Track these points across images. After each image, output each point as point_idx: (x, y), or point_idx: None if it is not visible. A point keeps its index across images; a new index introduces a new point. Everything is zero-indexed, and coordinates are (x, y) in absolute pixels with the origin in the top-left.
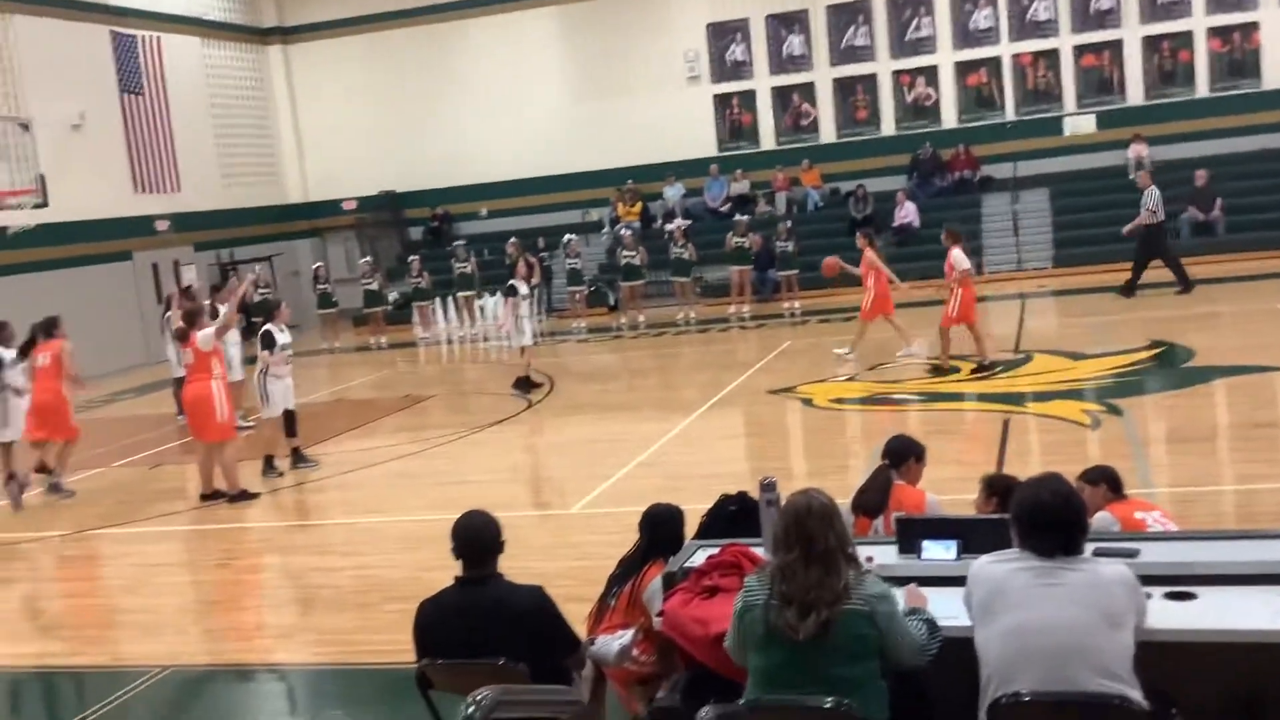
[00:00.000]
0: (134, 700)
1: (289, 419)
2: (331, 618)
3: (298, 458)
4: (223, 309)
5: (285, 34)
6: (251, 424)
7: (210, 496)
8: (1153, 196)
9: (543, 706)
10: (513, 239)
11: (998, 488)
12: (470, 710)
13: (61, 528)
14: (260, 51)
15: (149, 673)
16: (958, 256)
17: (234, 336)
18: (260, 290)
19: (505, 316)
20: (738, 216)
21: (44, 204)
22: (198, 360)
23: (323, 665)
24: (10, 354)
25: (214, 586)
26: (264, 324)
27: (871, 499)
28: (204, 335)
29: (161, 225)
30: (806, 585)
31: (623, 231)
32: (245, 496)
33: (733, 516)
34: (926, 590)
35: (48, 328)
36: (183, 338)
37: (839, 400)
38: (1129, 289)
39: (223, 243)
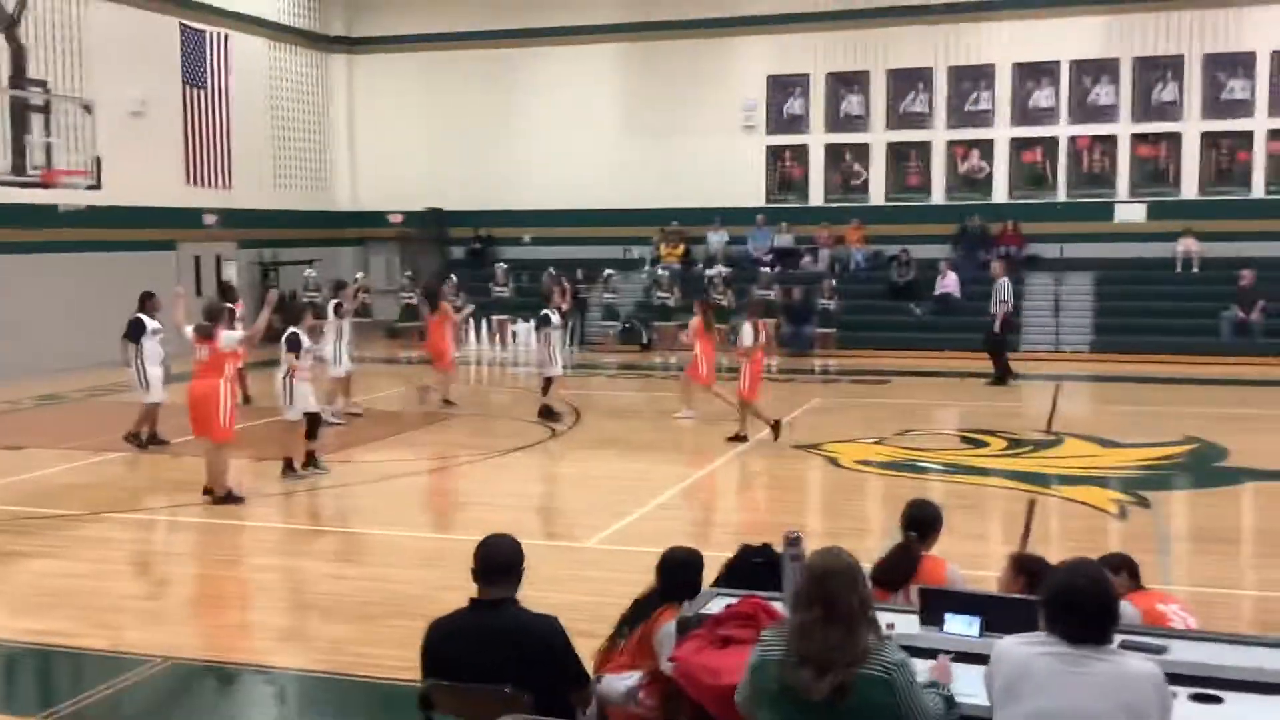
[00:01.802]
0: (132, 688)
1: (311, 422)
2: (336, 626)
3: (310, 461)
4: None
5: (351, 44)
6: (341, 421)
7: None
8: (1005, 288)
9: None
10: (550, 270)
11: (1026, 567)
12: None
13: (76, 508)
14: (324, 59)
15: (149, 662)
16: (745, 331)
17: (331, 335)
18: (308, 293)
19: (539, 347)
20: (764, 269)
21: (97, 186)
22: (213, 359)
23: (322, 673)
24: (154, 324)
25: (221, 582)
26: (288, 328)
27: (896, 576)
28: (228, 337)
29: (210, 219)
30: (826, 646)
31: (660, 272)
32: (231, 499)
33: (755, 568)
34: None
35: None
36: (205, 335)
37: (864, 462)
38: (1001, 379)
39: (267, 242)
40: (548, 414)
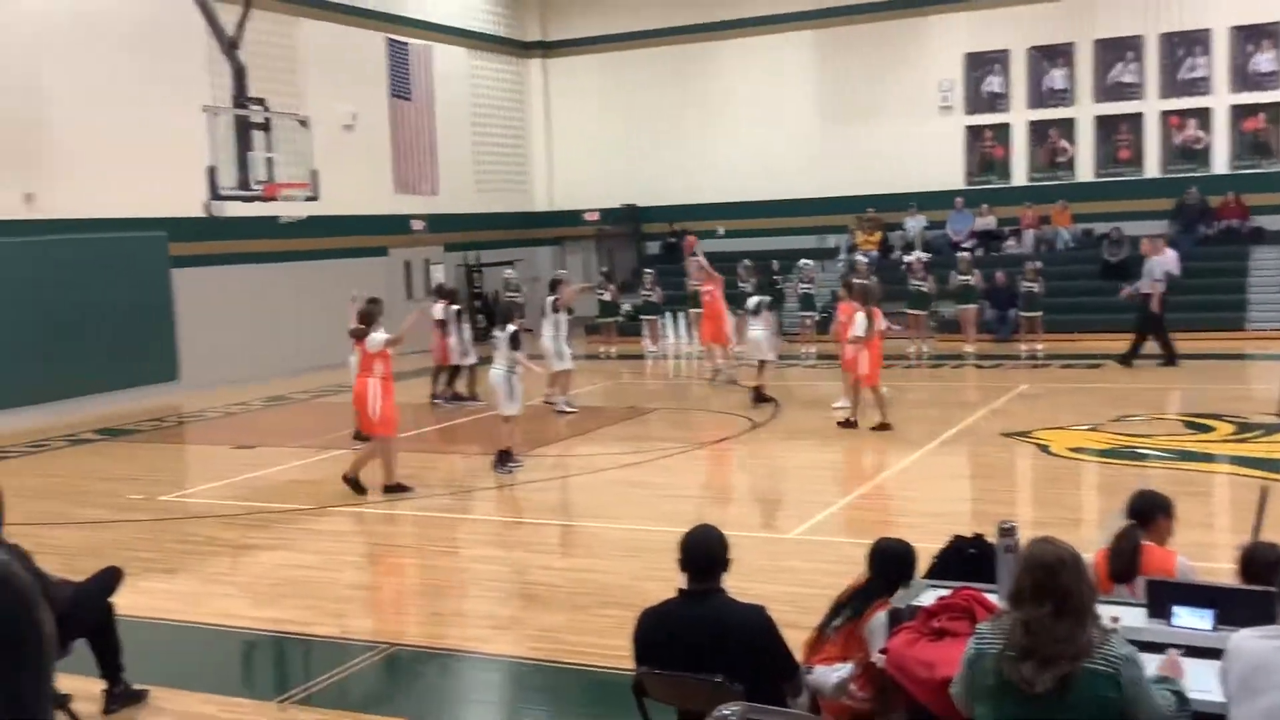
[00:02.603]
0: (359, 674)
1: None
2: (547, 615)
3: (501, 459)
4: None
5: (545, 48)
6: (574, 409)
7: (393, 489)
8: (1159, 266)
9: None
10: (745, 261)
11: (1259, 557)
12: None
13: (305, 502)
14: (521, 64)
15: (374, 649)
16: (858, 320)
17: (550, 330)
18: (509, 293)
19: (763, 333)
20: (959, 253)
21: (315, 198)
22: (364, 360)
23: (537, 660)
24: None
25: (439, 572)
26: (505, 325)
27: (1122, 564)
28: (373, 339)
29: (417, 225)
30: (1054, 639)
31: (858, 258)
32: (400, 489)
33: (968, 559)
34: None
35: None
36: (358, 336)
37: (1078, 450)
38: (1171, 360)
39: (470, 245)
40: (760, 397)
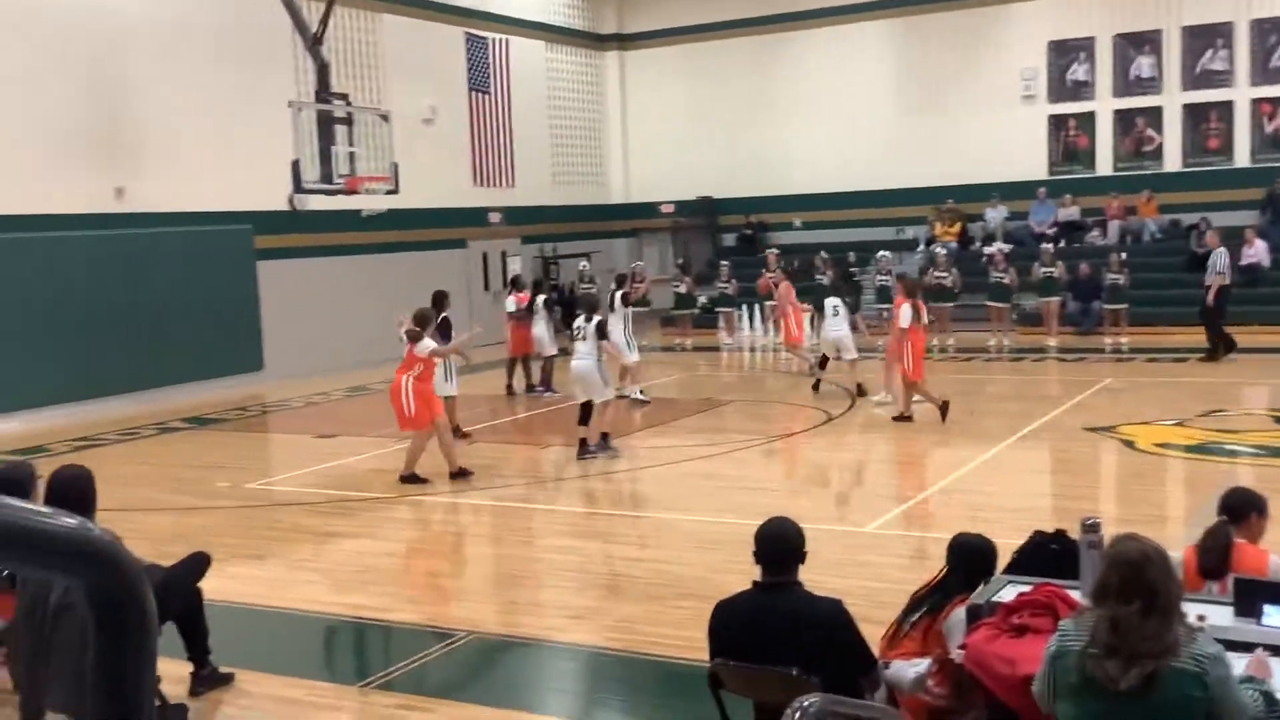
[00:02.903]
0: (438, 660)
1: (586, 409)
2: (622, 605)
3: (585, 447)
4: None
5: (622, 40)
6: (648, 399)
7: (456, 475)
8: (1221, 259)
9: None
10: (821, 253)
11: None
12: (797, 717)
13: (385, 491)
14: (598, 57)
15: (453, 636)
16: (904, 312)
17: (619, 325)
18: (582, 285)
19: (842, 330)
20: (1042, 245)
21: (395, 191)
22: (408, 359)
23: (613, 651)
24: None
25: (517, 561)
26: (591, 316)
27: (1212, 561)
28: (422, 345)
29: (494, 218)
30: (1142, 636)
31: (937, 250)
32: (462, 475)
33: (1049, 555)
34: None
35: None
36: (412, 339)
37: (1164, 445)
38: (1214, 353)
39: (547, 237)
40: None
